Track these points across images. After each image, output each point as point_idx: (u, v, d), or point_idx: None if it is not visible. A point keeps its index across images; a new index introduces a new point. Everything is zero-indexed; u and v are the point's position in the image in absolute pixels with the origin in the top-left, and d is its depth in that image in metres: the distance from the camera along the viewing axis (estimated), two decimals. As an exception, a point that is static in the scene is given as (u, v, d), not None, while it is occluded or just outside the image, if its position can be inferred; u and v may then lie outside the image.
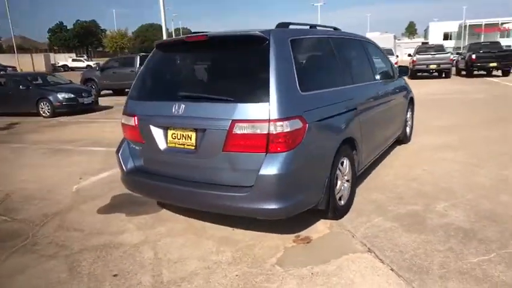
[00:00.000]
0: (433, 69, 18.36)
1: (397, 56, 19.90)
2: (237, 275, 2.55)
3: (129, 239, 3.17)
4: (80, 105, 11.80)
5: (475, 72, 18.50)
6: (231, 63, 2.82)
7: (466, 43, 57.01)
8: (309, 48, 3.14)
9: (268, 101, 2.49)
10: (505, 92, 12.05)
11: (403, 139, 5.48)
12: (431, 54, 18.35)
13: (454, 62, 20.66)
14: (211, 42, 2.86)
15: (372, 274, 2.46)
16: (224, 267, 2.66)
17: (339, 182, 3.13)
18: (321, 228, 3.14)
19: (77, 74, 21.36)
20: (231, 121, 2.56)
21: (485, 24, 65.74)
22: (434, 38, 65.81)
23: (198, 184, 2.79)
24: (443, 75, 18.71)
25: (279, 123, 2.46)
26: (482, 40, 42.86)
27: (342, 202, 3.23)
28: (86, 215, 3.74)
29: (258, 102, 2.52)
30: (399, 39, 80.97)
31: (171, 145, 2.92)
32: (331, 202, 3.03)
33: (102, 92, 17.61)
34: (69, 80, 14.22)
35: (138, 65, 16.97)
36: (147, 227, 3.38)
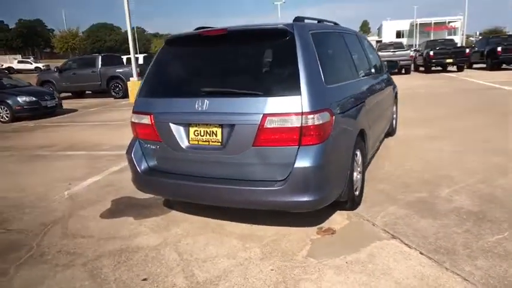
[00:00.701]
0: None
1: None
2: (272, 270, 2.55)
3: (146, 242, 3.05)
4: (43, 108, 11.15)
5: (433, 68, 19.61)
6: (255, 57, 2.80)
7: (417, 41, 60.04)
8: (326, 42, 3.19)
9: (299, 94, 2.50)
10: (465, 86, 12.87)
11: (390, 131, 5.71)
12: (392, 51, 19.23)
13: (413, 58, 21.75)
14: (231, 37, 2.82)
15: (404, 259, 2.55)
16: (257, 263, 2.64)
17: (354, 173, 3.21)
18: (340, 219, 3.20)
19: (26, 77, 20.00)
20: (262, 115, 2.54)
21: (434, 23, 69.74)
22: (388, 36, 68.88)
23: (226, 180, 2.74)
24: (403, 72, 19.64)
25: (310, 116, 2.49)
26: (432, 38, 45.31)
27: (357, 193, 3.32)
28: (89, 220, 3.56)
29: (290, 95, 2.52)
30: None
31: (193, 142, 2.85)
32: (350, 193, 3.10)
33: (61, 95, 16.73)
34: (28, 82, 13.39)
35: (100, 66, 16.34)
36: (161, 228, 3.28)
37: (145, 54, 21.12)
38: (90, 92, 17.73)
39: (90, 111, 12.38)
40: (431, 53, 18.91)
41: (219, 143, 2.75)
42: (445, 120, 7.10)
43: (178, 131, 2.88)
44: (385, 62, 5.35)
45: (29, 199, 4.23)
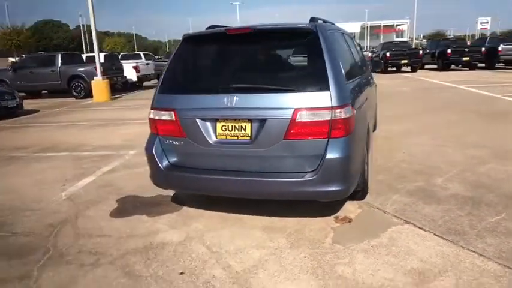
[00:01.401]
0: None
1: None
2: (305, 257, 2.68)
3: (169, 238, 3.07)
4: (3, 109, 10.45)
5: (389, 69, 20.73)
6: (281, 55, 2.92)
7: (368, 43, 62.72)
8: (338, 41, 3.37)
9: (328, 89, 2.66)
10: (424, 85, 13.79)
11: (373, 127, 6.06)
12: None
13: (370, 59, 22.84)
14: (257, 35, 2.92)
15: (423, 240, 2.80)
16: (288, 252, 2.76)
17: (365, 165, 3.43)
18: (352, 208, 3.40)
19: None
20: (293, 110, 2.67)
21: (384, 26, 73.37)
22: (339, 39, 71.38)
23: (256, 173, 2.84)
24: None
25: (338, 110, 2.66)
26: (381, 40, 47.53)
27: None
28: (99, 220, 3.48)
29: (320, 91, 2.68)
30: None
31: (221, 137, 2.91)
32: (363, 183, 3.31)
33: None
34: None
35: (60, 65, 15.56)
36: (180, 224, 3.30)
37: (106, 53, 20.36)
38: (46, 91, 16.80)
39: (54, 111, 11.77)
40: (388, 54, 20.00)
41: (248, 137, 2.84)
42: (417, 117, 7.62)
43: (205, 126, 2.93)
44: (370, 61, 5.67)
45: (23, 201, 4.04)
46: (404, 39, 56.21)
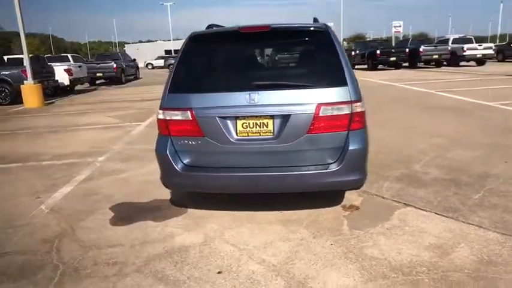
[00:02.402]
0: None
1: None
2: (331, 244, 2.83)
3: (189, 240, 3.01)
4: None
5: None
6: (298, 52, 3.02)
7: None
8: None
9: (346, 84, 2.85)
10: (362, 83, 14.77)
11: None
12: None
13: None
14: (273, 34, 3.00)
15: (428, 219, 3.11)
16: (313, 241, 2.89)
17: None
18: (353, 197, 3.63)
19: None
20: (316, 105, 2.80)
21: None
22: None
23: (283, 168, 2.91)
24: None
25: (356, 104, 2.86)
26: None
27: None
28: (102, 230, 3.28)
29: (339, 86, 2.84)
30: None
31: (242, 135, 2.93)
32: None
33: None
34: None
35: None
36: (194, 226, 3.25)
37: (32, 55, 18.58)
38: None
39: (-19, 120, 10.52)
40: None
41: (271, 133, 2.90)
42: (373, 113, 8.20)
43: (225, 124, 2.93)
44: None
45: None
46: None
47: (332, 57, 2.92)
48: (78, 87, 19.81)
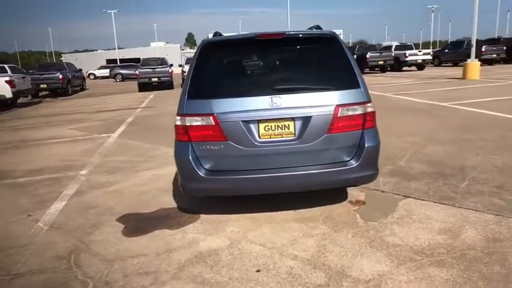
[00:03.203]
0: None
1: (171, 65, 22.06)
2: (353, 236, 3.03)
3: (215, 244, 3.05)
4: None
5: None
6: (311, 58, 3.20)
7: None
8: None
9: (359, 86, 3.09)
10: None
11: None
12: None
13: None
14: (286, 40, 3.16)
15: (430, 207, 3.43)
16: (335, 235, 3.07)
17: None
18: (356, 193, 3.87)
19: None
20: (335, 106, 3.00)
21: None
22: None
23: (305, 167, 3.06)
24: None
25: (368, 104, 3.10)
26: None
27: None
28: (116, 243, 3.20)
29: (353, 88, 3.07)
30: (183, 50, 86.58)
31: (264, 138, 3.04)
32: None
33: None
34: None
35: None
36: (214, 231, 3.28)
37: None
38: None
39: None
40: None
41: (293, 135, 3.05)
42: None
43: (248, 128, 3.02)
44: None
45: (-6, 240, 3.39)
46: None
47: (343, 62, 3.15)
48: (21, 100, 18.46)
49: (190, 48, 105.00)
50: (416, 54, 23.15)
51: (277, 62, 3.22)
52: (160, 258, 2.91)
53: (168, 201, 4.02)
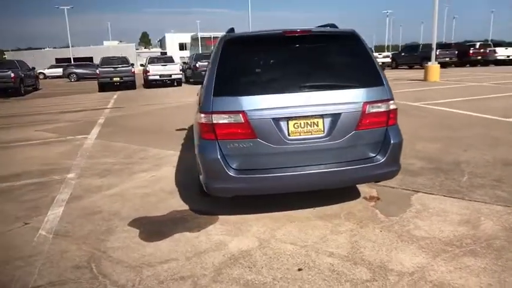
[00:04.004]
0: (166, 79, 20.76)
1: (133, 65, 21.81)
2: (381, 231, 3.09)
3: (245, 245, 2.97)
4: None
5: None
6: (334, 55, 3.22)
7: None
8: None
9: (383, 84, 3.16)
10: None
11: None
12: (163, 65, 20.76)
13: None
14: (311, 37, 3.17)
15: (442, 201, 3.58)
16: (363, 230, 3.11)
17: None
18: (367, 189, 3.96)
19: None
20: (363, 103, 3.04)
21: (214, 37, 77.51)
22: (171, 48, 72.30)
23: (335, 164, 3.07)
24: (175, 84, 21.24)
25: (391, 102, 3.18)
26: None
27: None
28: (138, 249, 3.02)
29: (378, 86, 3.14)
30: (137, 49, 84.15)
31: (294, 135, 3.01)
32: None
33: None
34: None
35: None
36: (238, 231, 3.20)
37: None
38: None
39: None
40: (197, 64, 20.57)
41: (321, 132, 3.05)
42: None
43: (279, 125, 2.98)
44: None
45: (-7, 252, 3.08)
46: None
47: (367, 59, 3.22)
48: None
49: (145, 48, 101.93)
50: (377, 57, 24.23)
51: (303, 59, 3.21)
52: (192, 261, 2.79)
53: (178, 204, 3.87)
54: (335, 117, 3.05)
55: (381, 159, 3.14)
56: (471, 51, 27.30)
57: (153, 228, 3.37)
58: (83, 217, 3.67)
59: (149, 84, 21.00)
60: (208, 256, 2.86)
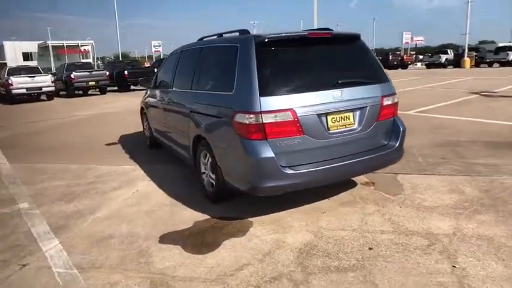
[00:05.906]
0: (34, 93, 18.00)
1: None
2: (400, 207, 3.57)
3: (303, 239, 3.07)
4: None
5: (76, 92, 19.80)
6: (352, 54, 3.57)
7: (52, 63, 57.51)
8: None
9: (388, 80, 3.68)
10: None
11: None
12: (30, 77, 17.78)
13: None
14: (330, 39, 3.48)
15: (421, 178, 4.29)
16: (386, 210, 3.53)
17: None
18: (359, 178, 4.42)
19: None
20: (381, 97, 3.50)
21: (67, 46, 69.64)
22: (14, 59, 62.73)
23: (366, 152, 3.44)
24: (46, 97, 18.69)
25: (395, 96, 3.71)
26: (66, 60, 43.25)
27: None
28: (200, 263, 2.82)
29: (387, 81, 3.64)
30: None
31: (333, 129, 3.26)
32: None
33: None
34: None
35: None
36: (283, 228, 3.27)
37: None
38: None
39: None
40: (73, 75, 18.90)
41: (353, 124, 3.37)
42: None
43: (321, 121, 3.19)
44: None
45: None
46: (90, 60, 56.12)
47: (373, 59, 3.72)
48: None
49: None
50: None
51: (327, 59, 3.49)
52: (269, 262, 2.77)
53: (194, 214, 3.66)
54: (362, 110, 3.43)
55: (395, 144, 3.66)
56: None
57: (194, 241, 3.16)
58: (96, 245, 3.16)
59: (12, 99, 17.98)
60: (278, 254, 2.87)
